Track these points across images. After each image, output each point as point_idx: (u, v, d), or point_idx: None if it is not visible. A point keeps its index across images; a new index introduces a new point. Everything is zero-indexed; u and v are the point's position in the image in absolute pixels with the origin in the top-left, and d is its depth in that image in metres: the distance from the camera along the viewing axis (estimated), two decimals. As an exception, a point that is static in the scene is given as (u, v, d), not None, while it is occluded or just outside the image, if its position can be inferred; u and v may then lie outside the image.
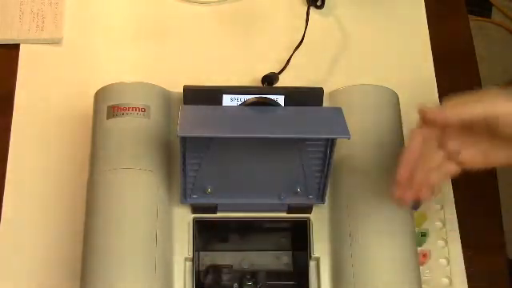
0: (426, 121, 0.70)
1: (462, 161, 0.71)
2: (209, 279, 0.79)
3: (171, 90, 0.84)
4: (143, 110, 0.80)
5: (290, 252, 0.84)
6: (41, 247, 0.87)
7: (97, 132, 0.81)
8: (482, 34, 1.84)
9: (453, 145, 0.71)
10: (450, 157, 0.71)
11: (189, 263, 0.77)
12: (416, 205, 0.88)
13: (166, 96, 0.84)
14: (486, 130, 0.68)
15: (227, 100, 0.77)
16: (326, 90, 0.81)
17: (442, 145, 0.71)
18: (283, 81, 0.96)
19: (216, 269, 0.80)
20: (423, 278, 0.84)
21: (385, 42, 1.04)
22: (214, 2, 1.05)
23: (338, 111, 0.74)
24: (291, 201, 0.77)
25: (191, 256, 0.77)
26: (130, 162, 0.77)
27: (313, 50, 1.01)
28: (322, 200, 0.77)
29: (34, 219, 0.88)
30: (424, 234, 0.88)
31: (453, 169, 0.71)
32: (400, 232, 0.77)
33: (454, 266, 0.87)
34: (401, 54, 1.03)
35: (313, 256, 0.78)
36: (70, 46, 1.00)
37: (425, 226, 0.88)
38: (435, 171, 0.71)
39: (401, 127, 0.85)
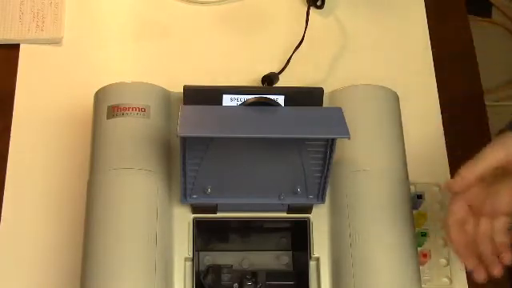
0: (454, 192, 0.73)
1: (505, 211, 0.72)
2: (209, 279, 0.79)
3: (171, 90, 0.84)
4: (143, 110, 0.80)
5: (290, 252, 0.84)
6: (41, 247, 0.87)
7: (97, 132, 0.81)
8: (482, 33, 1.84)
9: (491, 204, 0.72)
10: (495, 215, 0.72)
11: (189, 263, 0.77)
12: (416, 204, 0.88)
13: (166, 96, 0.83)
14: (494, 176, 0.71)
15: (227, 100, 0.77)
16: (325, 90, 0.81)
17: (477, 213, 0.73)
18: (283, 81, 0.96)
19: (216, 269, 0.80)
20: (423, 277, 0.84)
21: (385, 42, 1.04)
22: (213, 2, 1.05)
23: (338, 111, 0.74)
24: (291, 201, 0.77)
25: (191, 256, 0.77)
26: (129, 162, 0.77)
27: (313, 50, 1.00)
28: (322, 200, 0.77)
29: (34, 219, 0.88)
30: (424, 234, 0.87)
31: (503, 223, 0.73)
32: (400, 232, 0.77)
33: (453, 266, 0.87)
34: (401, 54, 1.03)
35: (313, 256, 0.78)
36: (70, 46, 1.00)
37: (425, 226, 0.88)
38: (496, 236, 0.72)
39: (401, 127, 0.84)
